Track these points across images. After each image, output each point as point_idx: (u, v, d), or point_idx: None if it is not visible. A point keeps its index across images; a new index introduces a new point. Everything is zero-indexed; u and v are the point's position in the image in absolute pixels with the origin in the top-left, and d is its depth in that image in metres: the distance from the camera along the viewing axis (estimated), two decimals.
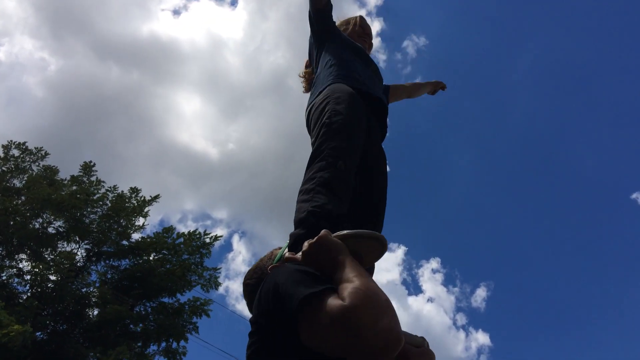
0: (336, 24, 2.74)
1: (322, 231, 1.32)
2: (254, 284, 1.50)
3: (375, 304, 1.04)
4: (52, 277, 13.31)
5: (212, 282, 16.15)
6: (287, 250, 1.59)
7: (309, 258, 1.27)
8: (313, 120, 2.19)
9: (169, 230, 16.23)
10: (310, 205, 1.73)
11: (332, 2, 2.60)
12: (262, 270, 1.52)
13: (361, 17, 2.95)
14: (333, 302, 1.04)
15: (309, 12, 2.61)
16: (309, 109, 2.34)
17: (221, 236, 17.16)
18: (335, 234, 1.34)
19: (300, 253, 1.32)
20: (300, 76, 2.92)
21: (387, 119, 2.51)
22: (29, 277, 13.59)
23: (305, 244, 1.30)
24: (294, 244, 1.61)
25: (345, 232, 1.38)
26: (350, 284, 1.09)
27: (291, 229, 1.74)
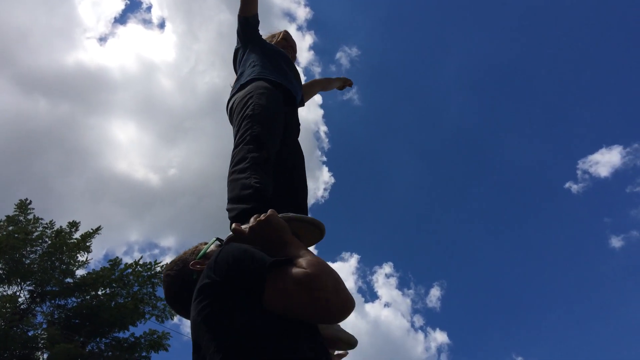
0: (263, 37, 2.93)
1: (270, 210, 1.40)
2: (174, 275, 1.53)
3: (333, 274, 1.18)
4: None
5: (168, 312, 15.55)
6: (209, 241, 1.64)
7: (255, 233, 1.35)
8: (236, 111, 2.31)
9: (115, 262, 15.68)
10: (252, 181, 1.83)
11: (258, 19, 2.83)
12: (183, 263, 1.54)
13: (285, 31, 3.18)
14: (297, 269, 1.16)
15: (238, 18, 2.81)
16: (232, 101, 2.47)
17: None
18: (281, 215, 1.44)
19: (247, 226, 1.38)
20: (231, 85, 3.05)
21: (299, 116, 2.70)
22: None
23: (253, 220, 1.38)
24: (240, 216, 1.70)
25: (290, 214, 1.50)
26: (307, 257, 1.21)
27: None
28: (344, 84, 3.65)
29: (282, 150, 2.30)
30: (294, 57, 3.16)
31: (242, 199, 1.79)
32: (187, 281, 1.46)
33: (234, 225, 1.44)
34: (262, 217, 1.37)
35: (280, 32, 3.15)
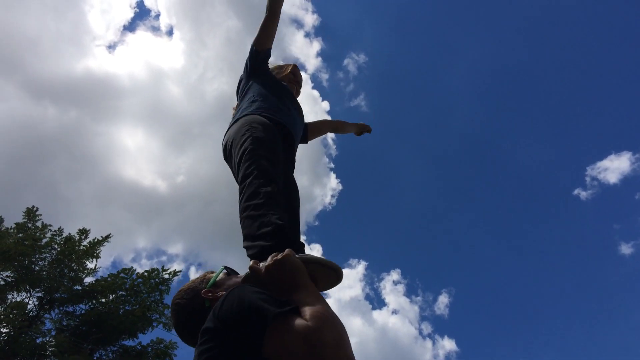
0: (270, 67, 2.94)
1: (287, 250, 1.38)
2: (184, 304, 1.54)
3: (335, 329, 1.14)
4: (4, 330, 12.52)
5: None
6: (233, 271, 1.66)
7: (270, 273, 1.34)
8: (234, 145, 2.29)
9: (127, 271, 15.61)
10: (272, 218, 1.80)
11: (270, 53, 2.85)
12: (194, 292, 1.55)
13: (294, 65, 3.17)
14: (300, 321, 1.12)
15: (250, 48, 2.80)
16: (227, 137, 2.45)
17: (180, 271, 16.69)
18: (299, 256, 1.41)
19: (264, 265, 1.37)
20: (233, 108, 3.09)
21: (296, 153, 2.67)
22: None
23: (270, 260, 1.36)
24: (259, 254, 1.68)
25: (308, 256, 1.48)
26: (312, 307, 1.18)
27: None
28: (362, 130, 3.55)
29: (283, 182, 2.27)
30: (299, 92, 3.14)
31: (261, 236, 1.75)
32: (198, 310, 1.49)
33: (251, 262, 1.43)
34: (279, 256, 1.35)
35: (290, 65, 3.15)
